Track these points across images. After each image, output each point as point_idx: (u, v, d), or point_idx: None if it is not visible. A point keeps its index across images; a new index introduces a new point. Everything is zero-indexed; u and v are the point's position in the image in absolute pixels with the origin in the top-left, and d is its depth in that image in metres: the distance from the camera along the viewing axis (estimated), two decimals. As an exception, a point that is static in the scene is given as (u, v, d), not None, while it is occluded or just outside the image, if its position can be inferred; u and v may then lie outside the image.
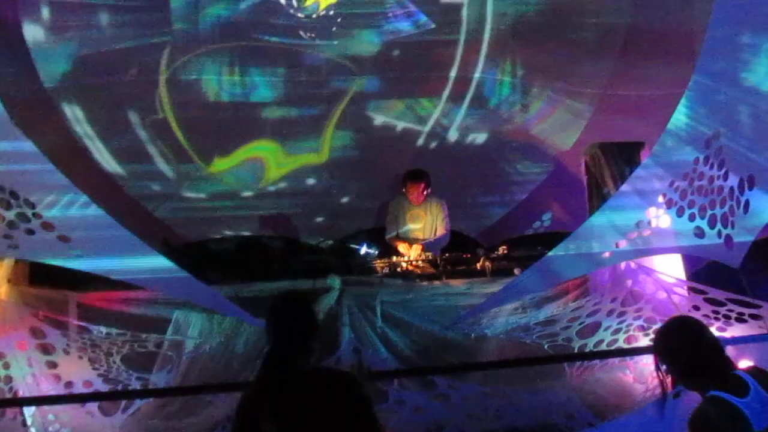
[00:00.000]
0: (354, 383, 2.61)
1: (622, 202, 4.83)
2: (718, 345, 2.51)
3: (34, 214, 4.02)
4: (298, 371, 2.58)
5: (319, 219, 7.37)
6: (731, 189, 4.18)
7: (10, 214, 4.00)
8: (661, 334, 2.61)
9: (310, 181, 7.33)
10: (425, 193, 6.38)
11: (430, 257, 6.02)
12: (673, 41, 6.65)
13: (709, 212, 4.29)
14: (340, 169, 7.33)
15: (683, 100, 4.52)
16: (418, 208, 6.45)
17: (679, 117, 4.52)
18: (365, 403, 2.56)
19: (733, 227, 4.22)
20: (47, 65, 6.62)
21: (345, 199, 7.40)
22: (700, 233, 4.40)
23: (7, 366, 4.66)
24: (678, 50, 6.41)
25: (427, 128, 7.39)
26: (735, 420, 2.29)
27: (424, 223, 6.46)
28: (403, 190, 6.48)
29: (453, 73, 7.30)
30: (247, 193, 7.29)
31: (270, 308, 2.75)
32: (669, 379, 2.61)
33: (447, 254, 6.01)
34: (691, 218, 4.41)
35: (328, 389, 2.55)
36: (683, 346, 2.48)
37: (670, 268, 5.39)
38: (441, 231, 6.46)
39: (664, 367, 2.58)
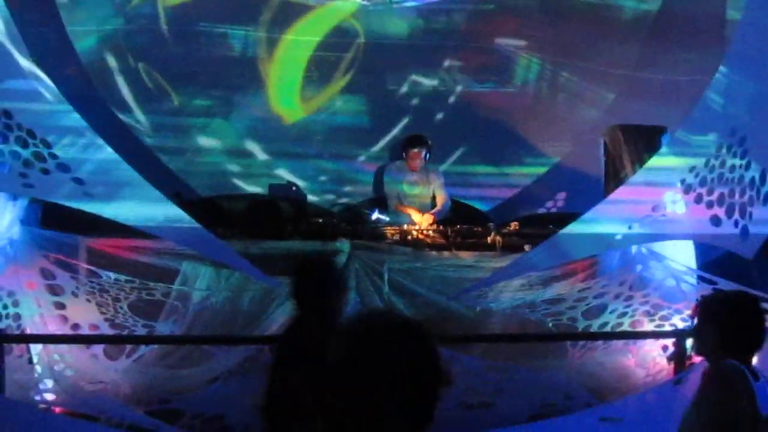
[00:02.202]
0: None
1: (639, 184, 4.78)
2: (764, 330, 2.50)
3: (50, 154, 4.03)
4: (330, 331, 2.59)
5: (331, 184, 7.35)
6: (752, 179, 4.14)
7: (27, 153, 4.01)
8: (716, 301, 2.62)
9: (324, 145, 7.30)
10: (425, 159, 6.36)
11: (440, 228, 6.01)
12: (703, 27, 6.53)
13: (728, 201, 4.25)
14: (355, 135, 7.30)
15: (711, 87, 4.45)
16: (415, 174, 6.42)
17: (706, 103, 4.46)
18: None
19: (750, 218, 4.18)
20: (72, 11, 6.59)
21: (358, 166, 7.37)
22: (716, 221, 4.36)
23: (16, 304, 4.72)
24: (707, 36, 6.31)
25: (446, 100, 7.32)
26: (751, 391, 2.33)
27: (421, 190, 6.44)
28: (403, 155, 6.44)
29: (477, 45, 7.21)
30: (262, 153, 7.28)
31: (300, 270, 2.75)
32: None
33: (458, 226, 5.99)
34: (709, 206, 4.37)
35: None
36: (737, 319, 2.46)
37: (682, 255, 5.36)
38: (441, 199, 6.43)
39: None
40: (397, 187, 6.46)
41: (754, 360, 2.57)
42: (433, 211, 6.33)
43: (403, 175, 6.44)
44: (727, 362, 2.40)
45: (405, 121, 7.28)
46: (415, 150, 6.32)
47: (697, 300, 4.80)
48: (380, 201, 6.71)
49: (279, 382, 2.51)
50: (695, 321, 2.63)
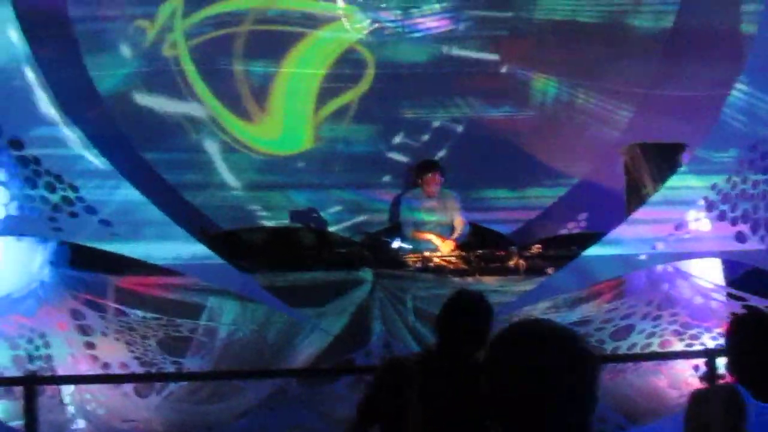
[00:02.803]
0: None
1: (661, 203, 4.76)
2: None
3: (77, 198, 4.13)
4: (463, 363, 2.60)
5: (352, 214, 7.40)
6: (776, 194, 4.10)
7: (55, 197, 4.11)
8: (748, 325, 2.39)
9: (340, 175, 7.37)
10: (439, 183, 6.37)
11: (463, 253, 6.00)
12: (719, 42, 6.50)
13: (752, 217, 4.21)
14: (372, 164, 7.36)
15: (728, 102, 4.44)
16: (432, 200, 6.42)
17: (725, 120, 4.45)
18: None
19: (776, 233, 4.14)
20: (95, 55, 6.79)
21: (377, 194, 7.41)
22: (741, 238, 4.31)
23: (47, 345, 4.79)
24: (723, 52, 6.27)
25: (463, 126, 7.36)
26: (734, 416, 2.16)
27: (439, 215, 6.43)
28: (418, 181, 6.46)
29: (491, 70, 7.26)
30: (281, 185, 7.37)
31: (448, 302, 2.78)
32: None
33: (480, 251, 5.98)
34: (733, 222, 4.33)
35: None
36: (751, 340, 2.27)
37: (709, 273, 5.29)
38: (460, 223, 6.41)
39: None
40: (413, 215, 6.46)
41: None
42: (453, 236, 6.32)
43: (420, 201, 6.45)
44: (721, 385, 2.28)
45: (422, 148, 7.32)
46: (430, 175, 6.34)
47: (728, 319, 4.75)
48: (400, 229, 6.73)
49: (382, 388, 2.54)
50: (726, 345, 2.44)
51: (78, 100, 6.32)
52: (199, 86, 7.05)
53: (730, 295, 5.07)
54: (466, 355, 2.60)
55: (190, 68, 6.99)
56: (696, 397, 2.34)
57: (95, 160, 4.12)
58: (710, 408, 2.22)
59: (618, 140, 6.97)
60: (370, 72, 7.19)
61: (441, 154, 7.21)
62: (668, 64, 7.05)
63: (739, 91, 4.31)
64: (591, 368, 1.31)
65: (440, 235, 6.30)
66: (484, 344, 2.59)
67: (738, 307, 4.91)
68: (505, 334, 1.36)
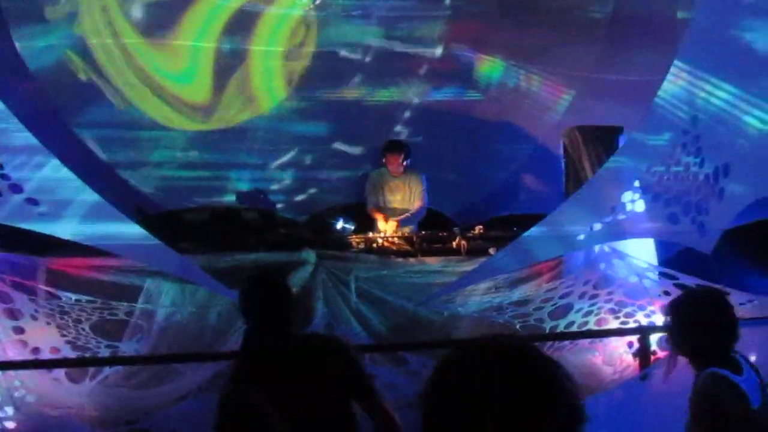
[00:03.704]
0: (342, 346, 2.64)
1: (598, 185, 4.85)
2: (736, 324, 2.46)
3: (1, 175, 3.92)
4: (284, 340, 2.59)
5: (296, 194, 7.32)
6: (707, 176, 4.23)
7: (-22, 176, 3.90)
8: (685, 305, 2.52)
9: (287, 155, 7.27)
10: (404, 163, 6.34)
11: (406, 234, 6.01)
12: (657, 27, 6.66)
13: (684, 199, 4.33)
14: (317, 144, 7.28)
15: (663, 86, 4.54)
16: (397, 179, 6.42)
17: (658, 103, 4.55)
18: (355, 365, 2.58)
19: (707, 214, 4.27)
20: (21, 28, 6.46)
21: (321, 174, 7.35)
22: (674, 219, 4.44)
23: (-28, 330, 4.58)
24: (661, 36, 6.43)
25: (407, 106, 7.34)
26: (737, 395, 2.31)
27: (403, 195, 6.43)
28: (383, 160, 6.45)
29: (436, 50, 7.25)
30: (224, 164, 7.22)
31: (247, 283, 2.73)
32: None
33: (423, 232, 6.00)
34: (666, 204, 4.45)
35: (318, 354, 2.57)
36: (708, 320, 2.41)
37: (643, 252, 5.44)
38: (417, 204, 6.41)
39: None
40: (376, 192, 6.44)
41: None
42: (399, 217, 6.31)
43: (384, 180, 6.44)
44: (707, 372, 2.36)
45: (367, 129, 7.28)
46: (393, 155, 6.32)
47: (665, 300, 4.90)
48: (345, 209, 6.69)
49: (236, 399, 2.46)
50: (667, 323, 2.57)
51: (4, 73, 6.02)
52: (139, 59, 6.81)
53: (662, 274, 5.24)
54: (280, 334, 2.59)
55: (131, 40, 6.73)
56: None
57: (21, 134, 3.91)
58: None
59: (559, 123, 7.07)
60: (318, 51, 7.08)
61: (386, 136, 7.17)
62: (609, 49, 7.19)
63: (673, 75, 4.41)
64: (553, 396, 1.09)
65: (388, 215, 6.28)
66: (288, 320, 2.59)
67: (670, 286, 5.07)
68: (451, 360, 1.17)
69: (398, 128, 7.29)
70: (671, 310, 2.54)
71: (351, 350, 2.64)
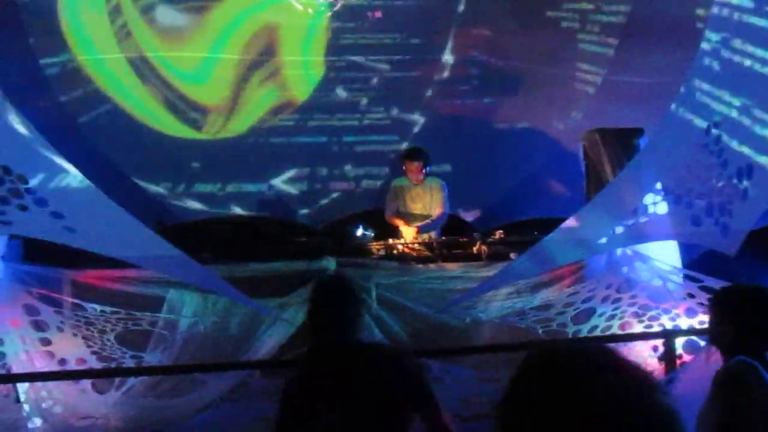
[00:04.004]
0: (405, 357, 2.66)
1: (619, 188, 4.81)
2: None
3: (27, 190, 3.98)
4: (350, 348, 2.59)
5: (315, 202, 7.35)
6: (730, 177, 4.17)
7: (3, 190, 3.95)
8: (739, 294, 2.58)
9: (306, 166, 7.30)
10: (424, 171, 6.33)
11: (426, 240, 6.00)
12: (676, 28, 6.61)
13: (707, 200, 4.28)
14: (334, 151, 7.30)
15: (684, 87, 4.50)
16: (417, 188, 6.41)
17: (680, 104, 4.50)
18: (415, 376, 2.58)
19: (730, 216, 4.21)
20: (43, 41, 6.57)
21: (339, 182, 7.37)
22: (697, 221, 4.39)
23: (0, 343, 4.64)
24: (681, 37, 6.37)
25: (422, 112, 7.34)
26: (765, 384, 2.33)
27: (424, 203, 6.42)
28: (403, 168, 6.45)
29: (451, 56, 7.25)
30: (243, 174, 7.27)
31: (314, 289, 2.73)
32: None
33: (443, 238, 5.99)
34: (689, 205, 4.40)
35: (379, 363, 2.57)
36: (753, 314, 2.45)
37: (666, 255, 5.38)
38: (437, 210, 6.40)
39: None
40: (397, 200, 6.44)
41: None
42: (419, 223, 6.30)
43: (406, 189, 6.44)
44: (738, 359, 2.39)
45: (386, 137, 7.30)
46: (412, 163, 6.32)
47: (689, 303, 4.85)
48: (365, 217, 6.70)
49: (300, 406, 2.47)
50: (709, 317, 2.62)
51: (26, 88, 6.13)
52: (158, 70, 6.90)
53: (686, 277, 5.17)
54: (346, 339, 2.58)
55: (152, 54, 6.82)
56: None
57: (44, 150, 3.97)
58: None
59: (577, 126, 7.03)
60: (326, 58, 7.11)
61: (402, 143, 7.18)
62: (627, 51, 7.13)
63: (693, 76, 4.36)
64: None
65: (410, 223, 6.29)
66: (357, 325, 2.60)
67: (694, 288, 5.01)
68: (528, 367, 1.09)
69: (416, 135, 7.29)
70: (715, 302, 2.60)
71: (413, 361, 2.67)
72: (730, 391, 2.34)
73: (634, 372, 1.02)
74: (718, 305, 2.57)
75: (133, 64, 6.85)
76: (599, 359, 1.03)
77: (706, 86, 4.30)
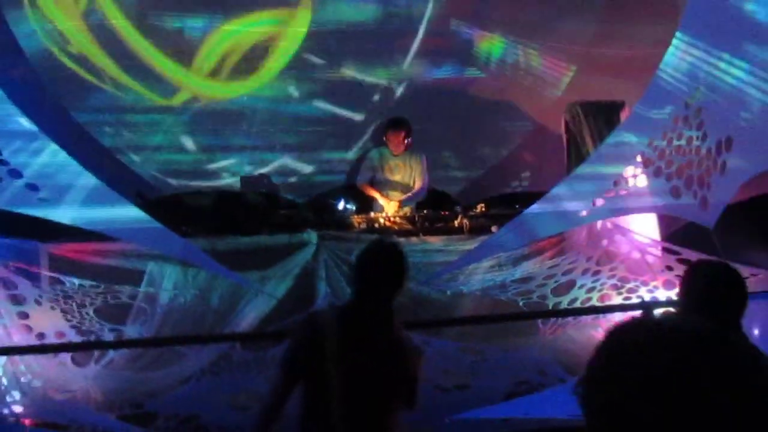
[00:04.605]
0: (418, 351, 2.74)
1: (600, 160, 4.83)
2: (746, 297, 2.44)
3: (0, 161, 3.91)
4: (381, 310, 2.59)
5: (296, 175, 7.29)
6: (709, 150, 4.20)
7: (-23, 161, 3.88)
8: (698, 276, 2.51)
9: (286, 137, 7.23)
10: (406, 142, 6.29)
11: (408, 213, 6.00)
12: (656, 1, 6.58)
13: (687, 172, 4.31)
14: (316, 125, 7.23)
15: (664, 60, 4.50)
16: (397, 158, 6.37)
17: (660, 77, 4.51)
18: (417, 369, 2.63)
19: (709, 188, 4.25)
20: (11, 11, 6.39)
21: (321, 155, 7.31)
22: (676, 193, 4.42)
23: (-24, 316, 4.59)
24: (662, 10, 6.35)
25: (404, 85, 7.28)
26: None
27: (403, 175, 6.39)
28: (384, 138, 6.41)
29: (432, 28, 7.18)
30: (223, 147, 7.18)
31: (372, 248, 2.71)
32: None
33: (425, 211, 5.99)
34: (668, 178, 4.43)
35: (399, 344, 2.60)
36: (721, 293, 2.39)
37: (646, 228, 5.44)
38: (418, 183, 6.38)
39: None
40: (374, 170, 6.39)
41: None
42: (402, 197, 6.28)
43: (385, 159, 6.39)
44: None
45: (367, 109, 7.24)
46: (395, 132, 6.26)
47: (668, 275, 4.89)
48: (346, 190, 6.67)
49: (349, 361, 2.49)
50: (679, 295, 2.58)
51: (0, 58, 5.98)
52: (132, 42, 6.75)
53: (665, 249, 5.23)
54: (384, 300, 2.60)
55: (122, 23, 6.66)
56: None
57: (18, 119, 3.89)
58: None
59: (560, 99, 7.02)
60: (316, 30, 7.01)
61: (386, 114, 7.12)
62: (610, 23, 7.11)
63: (675, 48, 4.36)
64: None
65: (386, 196, 6.27)
66: (401, 287, 2.61)
67: (673, 261, 5.07)
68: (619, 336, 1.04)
69: (397, 107, 7.24)
70: (684, 280, 2.53)
71: (421, 357, 2.72)
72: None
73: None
74: (684, 287, 2.51)
75: (104, 31, 6.69)
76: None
77: (687, 56, 4.30)
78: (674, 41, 4.40)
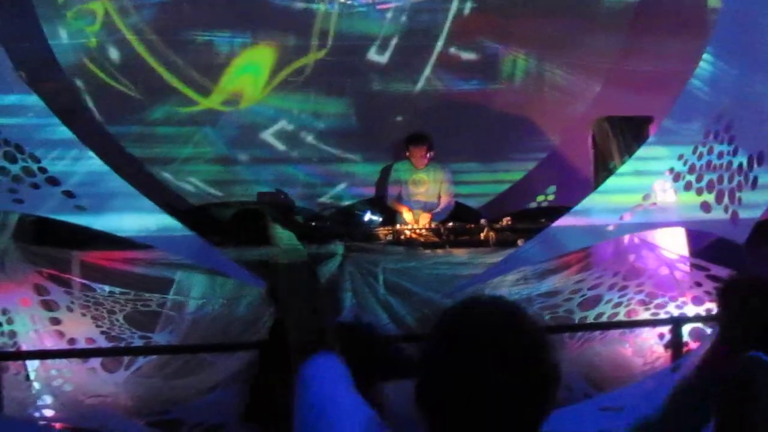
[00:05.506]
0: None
1: (628, 174, 4.81)
2: None
3: (39, 169, 4.00)
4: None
5: (322, 187, 7.35)
6: (740, 164, 4.18)
7: (16, 168, 3.97)
8: (737, 291, 2.49)
9: (312, 149, 7.30)
10: (428, 156, 6.34)
11: (434, 226, 6.02)
12: (685, 15, 6.58)
13: (717, 187, 4.29)
14: (340, 138, 7.30)
15: (695, 75, 4.49)
16: (420, 172, 6.42)
17: (690, 91, 4.50)
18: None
19: (740, 203, 4.22)
20: (54, 23, 6.57)
21: (346, 168, 7.37)
22: (706, 208, 4.39)
23: (10, 322, 4.68)
24: (689, 24, 6.36)
25: (432, 100, 7.33)
26: None
27: (427, 188, 6.43)
28: (406, 153, 6.46)
29: (460, 43, 7.23)
30: (247, 159, 7.28)
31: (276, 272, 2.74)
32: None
33: (450, 224, 6.01)
34: (698, 192, 4.40)
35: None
36: (759, 309, 2.36)
37: (674, 243, 5.39)
38: (445, 198, 6.42)
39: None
40: (401, 186, 6.44)
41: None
42: (433, 211, 6.33)
43: (409, 174, 6.45)
44: (747, 354, 2.31)
45: (391, 122, 7.29)
46: (417, 147, 6.32)
47: (697, 291, 4.84)
48: (372, 202, 6.71)
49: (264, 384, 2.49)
50: (717, 311, 2.55)
51: (39, 69, 6.14)
52: (155, 57, 6.89)
53: (693, 265, 5.18)
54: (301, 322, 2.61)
55: (152, 38, 6.81)
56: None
57: (57, 129, 3.99)
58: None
59: (586, 114, 7.02)
60: (342, 45, 7.10)
61: (411, 128, 7.17)
62: (635, 38, 7.11)
63: (705, 62, 4.35)
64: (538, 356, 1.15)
65: (412, 210, 6.31)
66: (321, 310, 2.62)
67: (702, 277, 5.02)
68: (442, 322, 1.22)
69: (422, 121, 7.28)
70: (720, 296, 2.52)
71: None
72: (734, 392, 2.28)
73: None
74: (724, 297, 2.50)
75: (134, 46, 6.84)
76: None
77: (717, 71, 4.30)
78: (705, 56, 4.39)
